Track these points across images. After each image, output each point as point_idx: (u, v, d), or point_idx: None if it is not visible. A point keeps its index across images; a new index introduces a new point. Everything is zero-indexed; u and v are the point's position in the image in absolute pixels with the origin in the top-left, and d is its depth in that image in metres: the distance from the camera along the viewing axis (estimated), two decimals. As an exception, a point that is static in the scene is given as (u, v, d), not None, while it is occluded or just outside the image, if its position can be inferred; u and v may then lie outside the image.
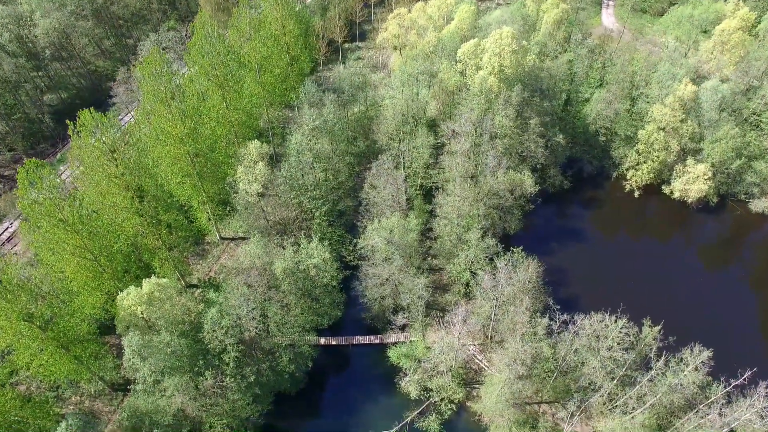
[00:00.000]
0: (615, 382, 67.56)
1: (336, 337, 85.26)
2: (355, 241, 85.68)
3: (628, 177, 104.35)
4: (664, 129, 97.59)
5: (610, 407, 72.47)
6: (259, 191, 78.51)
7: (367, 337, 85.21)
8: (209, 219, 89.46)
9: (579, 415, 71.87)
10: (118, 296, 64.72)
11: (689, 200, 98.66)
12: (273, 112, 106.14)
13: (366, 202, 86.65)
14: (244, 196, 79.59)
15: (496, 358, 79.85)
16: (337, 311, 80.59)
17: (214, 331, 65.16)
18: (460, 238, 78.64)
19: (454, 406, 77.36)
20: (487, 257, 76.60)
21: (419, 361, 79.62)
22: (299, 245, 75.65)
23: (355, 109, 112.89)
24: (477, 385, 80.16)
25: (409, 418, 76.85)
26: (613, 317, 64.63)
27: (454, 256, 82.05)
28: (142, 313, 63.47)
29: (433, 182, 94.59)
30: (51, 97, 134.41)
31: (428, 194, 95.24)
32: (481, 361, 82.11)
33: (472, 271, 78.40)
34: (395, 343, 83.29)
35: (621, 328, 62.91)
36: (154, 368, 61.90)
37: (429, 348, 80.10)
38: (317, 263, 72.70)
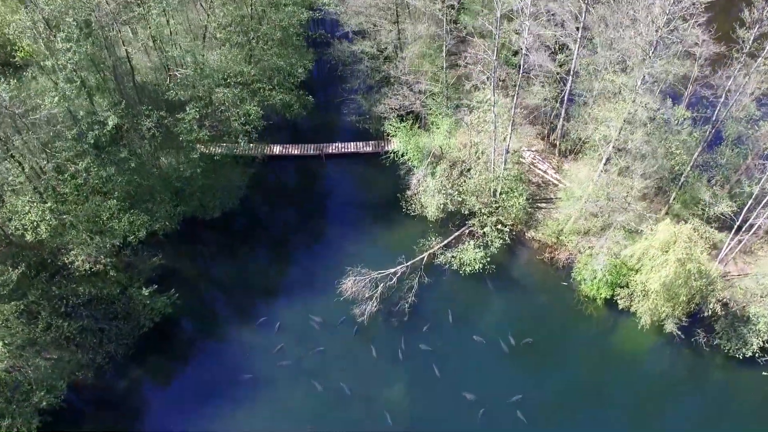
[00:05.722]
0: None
1: (299, 144, 51.07)
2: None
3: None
4: None
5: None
6: None
7: (351, 143, 50.99)
8: None
9: (734, 244, 38.04)
10: None
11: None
12: None
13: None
14: None
15: (572, 168, 46.19)
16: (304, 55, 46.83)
17: None
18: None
19: (506, 234, 43.22)
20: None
21: (441, 156, 45.72)
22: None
23: None
24: (543, 205, 46.22)
25: (426, 253, 42.72)
26: None
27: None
28: None
29: None
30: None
31: None
32: (545, 172, 48.20)
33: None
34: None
35: None
36: None
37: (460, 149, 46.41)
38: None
